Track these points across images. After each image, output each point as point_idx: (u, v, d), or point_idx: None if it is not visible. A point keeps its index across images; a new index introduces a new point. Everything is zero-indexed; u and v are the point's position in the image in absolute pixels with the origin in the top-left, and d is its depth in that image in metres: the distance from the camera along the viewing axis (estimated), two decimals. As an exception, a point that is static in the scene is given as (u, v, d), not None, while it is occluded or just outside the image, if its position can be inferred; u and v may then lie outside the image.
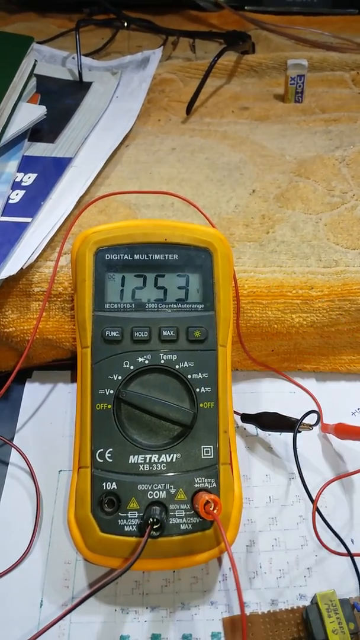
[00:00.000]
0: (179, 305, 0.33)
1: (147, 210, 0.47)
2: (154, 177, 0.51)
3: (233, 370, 0.43)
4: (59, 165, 0.48)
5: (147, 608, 0.31)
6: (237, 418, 0.39)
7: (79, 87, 0.61)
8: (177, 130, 0.59)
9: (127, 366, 0.31)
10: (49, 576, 0.32)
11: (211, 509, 0.27)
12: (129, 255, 0.34)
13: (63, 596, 0.31)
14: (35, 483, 0.35)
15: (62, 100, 0.58)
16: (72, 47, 0.66)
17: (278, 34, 0.79)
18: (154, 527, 0.27)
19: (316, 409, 0.40)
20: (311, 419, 0.35)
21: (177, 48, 0.76)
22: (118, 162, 0.53)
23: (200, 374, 0.32)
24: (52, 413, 0.39)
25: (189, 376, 0.32)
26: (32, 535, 0.33)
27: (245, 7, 0.88)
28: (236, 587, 0.25)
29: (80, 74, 0.62)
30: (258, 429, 0.39)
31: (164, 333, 0.32)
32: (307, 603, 0.31)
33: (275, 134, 0.58)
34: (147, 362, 0.32)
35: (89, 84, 0.62)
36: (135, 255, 0.34)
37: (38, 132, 0.53)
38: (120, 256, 0.34)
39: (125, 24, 0.77)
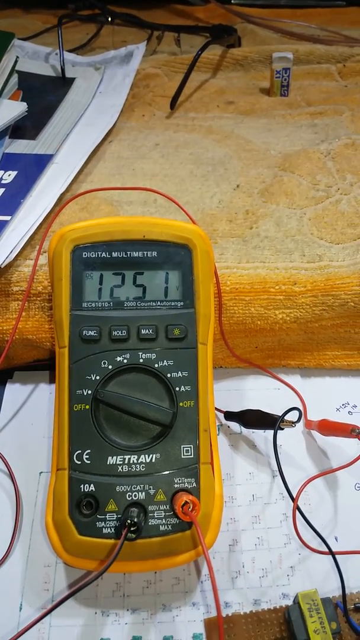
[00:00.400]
0: (158, 303, 0.33)
1: (129, 207, 0.46)
2: (137, 173, 0.51)
3: (217, 367, 0.42)
4: (40, 162, 0.47)
5: (127, 610, 0.30)
6: (221, 416, 0.38)
7: (62, 83, 0.60)
8: (161, 126, 0.58)
9: (106, 366, 0.31)
10: (29, 579, 0.31)
11: (189, 510, 0.27)
12: (107, 253, 0.33)
13: (42, 599, 0.31)
14: (14, 485, 0.34)
15: (44, 96, 0.58)
16: (56, 43, 0.65)
17: (264, 27, 0.79)
18: (131, 529, 0.26)
19: (298, 406, 0.39)
20: (293, 415, 0.34)
21: (163, 43, 0.75)
22: (101, 158, 0.53)
23: (179, 372, 0.32)
24: (33, 414, 0.38)
25: (169, 375, 0.31)
26: (12, 538, 0.32)
27: (232, 1, 0.88)
28: (213, 592, 0.25)
29: (62, 70, 0.61)
30: (242, 427, 0.38)
31: (143, 331, 0.32)
32: (290, 602, 0.31)
33: (260, 128, 0.58)
34: (125, 361, 0.31)
35: (71, 80, 0.61)
36: (113, 253, 0.33)
37: (19, 129, 0.52)
38: (98, 254, 0.33)
39: (110, 19, 0.76)
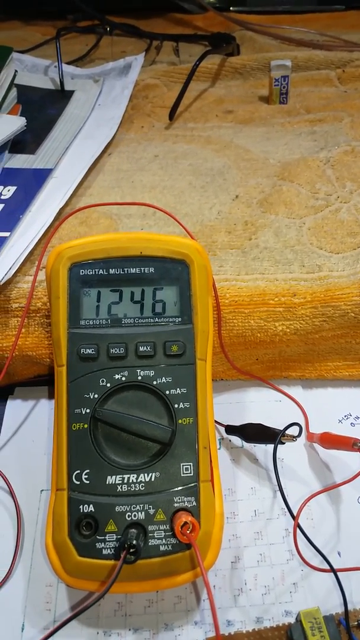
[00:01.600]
0: (156, 320, 0.33)
1: (128, 220, 0.46)
2: (136, 186, 0.51)
3: (218, 380, 0.42)
4: (39, 177, 0.48)
5: (129, 630, 0.30)
6: (222, 430, 0.38)
7: (61, 96, 0.60)
8: (160, 137, 0.58)
9: (104, 384, 0.31)
10: (31, 599, 0.31)
11: (188, 531, 0.27)
12: (104, 270, 0.33)
13: (45, 619, 0.31)
14: (15, 503, 0.34)
15: (43, 110, 0.58)
16: (56, 55, 0.66)
17: (263, 34, 0.79)
18: (130, 551, 0.26)
19: (300, 418, 0.39)
20: (294, 430, 0.34)
21: (162, 52, 0.76)
22: (100, 171, 0.53)
23: (178, 389, 0.31)
24: (34, 430, 0.38)
25: (167, 392, 0.31)
26: (13, 557, 0.32)
27: (230, 8, 0.88)
28: (212, 616, 0.24)
29: (61, 82, 0.61)
30: (243, 441, 0.38)
31: (141, 348, 0.32)
32: (292, 620, 0.31)
33: (259, 137, 0.58)
34: (124, 378, 0.31)
35: (71, 93, 0.61)
36: (110, 270, 0.33)
37: (19, 144, 0.52)
38: (95, 271, 0.33)
39: (108, 30, 0.76)
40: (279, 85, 0.62)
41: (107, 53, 0.76)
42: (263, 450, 0.38)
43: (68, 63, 0.70)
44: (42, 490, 0.35)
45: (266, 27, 0.80)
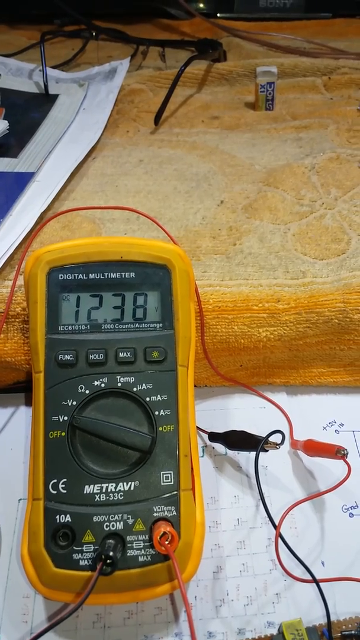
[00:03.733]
0: (137, 325, 0.32)
1: (111, 225, 0.46)
2: (120, 190, 0.50)
3: (202, 386, 0.42)
4: (21, 181, 0.47)
5: (108, 643, 0.29)
6: (205, 437, 0.38)
7: (45, 100, 0.60)
8: (145, 142, 0.58)
9: (82, 390, 0.30)
10: (7, 610, 0.30)
11: (166, 542, 0.26)
12: (84, 275, 0.33)
13: (21, 631, 0.30)
14: (-8, 513, 0.33)
15: (27, 113, 0.57)
16: (41, 59, 0.65)
17: (250, 41, 0.79)
18: (107, 562, 0.26)
19: (284, 425, 0.39)
20: (278, 437, 0.34)
21: (148, 57, 0.76)
22: (84, 175, 0.52)
23: (159, 396, 0.31)
24: (12, 438, 0.37)
25: (148, 399, 0.31)
26: (-11, 569, 0.32)
27: (218, 15, 0.88)
28: (189, 628, 0.24)
29: (46, 86, 0.61)
30: (226, 448, 0.37)
31: (121, 354, 0.31)
32: (275, 631, 0.30)
33: (245, 143, 0.58)
34: (103, 385, 0.31)
35: (55, 97, 0.61)
36: (90, 275, 0.33)
37: (1, 147, 0.52)
38: (74, 276, 0.32)
39: (94, 34, 0.76)
40: (265, 91, 0.62)
41: (93, 58, 0.76)
42: (246, 458, 0.37)
43: (54, 67, 0.70)
44: (20, 499, 0.34)
45: (253, 33, 0.80)
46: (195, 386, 0.41)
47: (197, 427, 0.38)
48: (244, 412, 0.40)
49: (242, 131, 0.60)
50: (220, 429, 0.37)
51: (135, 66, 0.73)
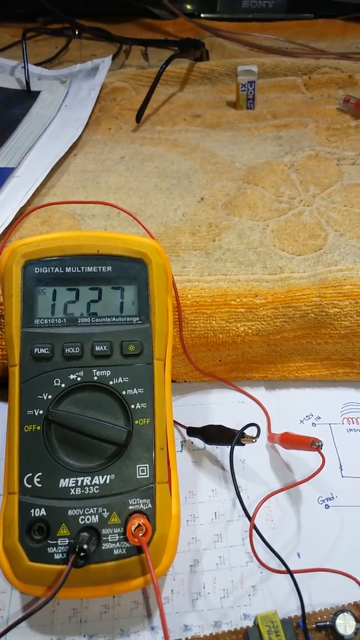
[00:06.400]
0: (113, 319, 0.32)
1: (92, 221, 0.46)
2: (101, 187, 0.50)
3: (181, 382, 0.42)
4: (1, 176, 0.47)
5: (84, 636, 0.29)
6: (184, 432, 0.38)
7: (27, 97, 0.60)
8: (127, 139, 0.58)
9: (58, 384, 0.30)
10: (-18, 608, 0.30)
11: (140, 534, 0.26)
12: (60, 268, 0.32)
13: (-4, 628, 0.29)
14: (-32, 509, 0.33)
15: (8, 109, 0.57)
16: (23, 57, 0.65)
17: (232, 41, 0.79)
18: (80, 555, 0.26)
19: (262, 419, 0.39)
20: (254, 430, 0.34)
21: (131, 56, 0.76)
22: (65, 171, 0.52)
23: (135, 389, 0.31)
24: (-11, 434, 0.37)
25: (124, 392, 0.31)
26: (-36, 565, 0.31)
27: (201, 15, 0.88)
28: (162, 624, 0.24)
29: (27, 83, 0.61)
30: (204, 443, 0.37)
31: (97, 348, 0.31)
32: (251, 623, 0.30)
33: (226, 141, 0.58)
34: (79, 379, 0.30)
35: (37, 93, 0.61)
36: (66, 268, 0.33)
37: (-19, 143, 0.51)
38: (50, 269, 0.32)
39: (77, 33, 0.76)
40: (246, 90, 0.62)
41: (76, 56, 0.76)
42: (224, 452, 0.37)
43: (37, 65, 0.69)
44: (-3, 495, 0.34)
45: (235, 34, 0.81)
46: (174, 381, 0.41)
47: (176, 421, 0.38)
48: (223, 407, 0.40)
49: (223, 129, 0.60)
50: (200, 423, 0.37)
51: (118, 65, 0.73)
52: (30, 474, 0.28)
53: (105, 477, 0.29)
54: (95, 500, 0.28)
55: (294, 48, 0.79)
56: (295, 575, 0.30)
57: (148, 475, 0.29)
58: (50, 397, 0.30)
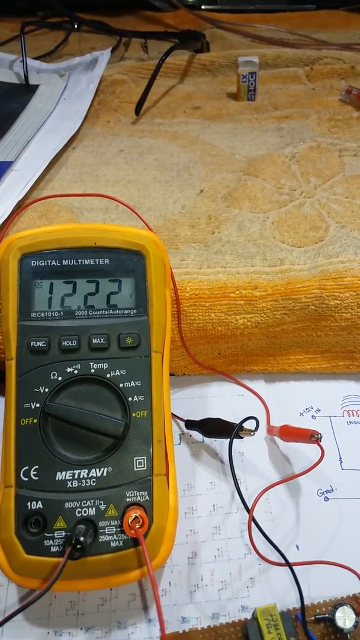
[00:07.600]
0: (111, 312, 0.32)
1: (90, 214, 0.46)
2: (100, 180, 0.50)
3: (180, 375, 0.41)
4: (-1, 170, 0.47)
5: (81, 629, 0.29)
6: (182, 424, 0.38)
7: (25, 90, 0.60)
8: (126, 132, 0.58)
9: (55, 377, 0.30)
10: (-19, 600, 0.30)
11: (136, 525, 0.26)
12: (57, 261, 0.32)
13: (-6, 621, 0.30)
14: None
15: (6, 103, 0.57)
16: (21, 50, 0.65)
17: (233, 32, 0.79)
18: (76, 547, 0.26)
19: (262, 412, 0.39)
20: (253, 423, 0.34)
21: (130, 49, 0.75)
22: (63, 164, 0.52)
23: (132, 382, 0.31)
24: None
25: (121, 385, 0.30)
26: None
27: (202, 7, 0.88)
28: (158, 615, 0.24)
29: (26, 76, 0.60)
30: (203, 436, 0.37)
31: (94, 341, 0.31)
32: (249, 615, 0.30)
33: (226, 133, 0.58)
34: (76, 372, 0.30)
35: (35, 87, 0.60)
36: (63, 261, 0.32)
37: (-20, 137, 0.51)
38: (47, 262, 0.32)
39: (76, 26, 0.75)
40: (247, 81, 0.62)
41: (75, 49, 0.76)
42: (223, 445, 0.37)
43: (36, 58, 0.69)
44: (-5, 488, 0.34)
45: (237, 25, 0.80)
46: (173, 374, 0.41)
47: (174, 414, 0.38)
48: (223, 400, 0.40)
49: (224, 121, 0.60)
50: (199, 416, 0.37)
51: (117, 57, 0.73)
52: (27, 467, 0.28)
53: (102, 469, 0.29)
54: (92, 492, 0.28)
55: (295, 39, 0.78)
56: (294, 567, 0.30)
57: (145, 468, 0.29)
58: (47, 390, 0.30)
